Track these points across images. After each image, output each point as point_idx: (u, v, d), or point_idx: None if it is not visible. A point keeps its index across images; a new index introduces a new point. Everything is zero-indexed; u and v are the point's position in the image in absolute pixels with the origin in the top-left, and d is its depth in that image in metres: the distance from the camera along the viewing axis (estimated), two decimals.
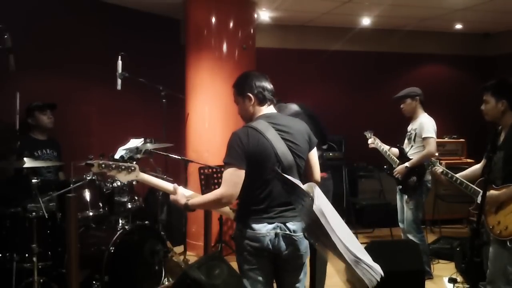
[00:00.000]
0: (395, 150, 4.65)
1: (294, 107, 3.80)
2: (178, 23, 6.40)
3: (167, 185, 2.67)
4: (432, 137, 4.42)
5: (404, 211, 4.63)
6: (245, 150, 2.41)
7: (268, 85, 2.61)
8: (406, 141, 4.75)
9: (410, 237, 4.49)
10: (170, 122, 4.72)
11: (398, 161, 4.54)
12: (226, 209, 2.72)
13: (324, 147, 3.96)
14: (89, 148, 4.93)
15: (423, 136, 4.45)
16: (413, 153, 4.52)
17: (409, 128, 4.72)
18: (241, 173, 2.40)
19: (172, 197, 2.60)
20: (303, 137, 2.58)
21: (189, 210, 2.56)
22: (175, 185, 2.63)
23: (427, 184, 4.47)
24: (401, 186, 4.54)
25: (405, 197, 4.53)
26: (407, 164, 4.42)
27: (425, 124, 4.47)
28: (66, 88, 5.12)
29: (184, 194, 2.58)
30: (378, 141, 4.63)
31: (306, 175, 2.64)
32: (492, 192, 3.07)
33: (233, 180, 2.39)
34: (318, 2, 5.79)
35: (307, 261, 2.59)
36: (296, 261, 2.53)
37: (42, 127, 4.41)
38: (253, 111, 2.60)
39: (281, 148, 2.46)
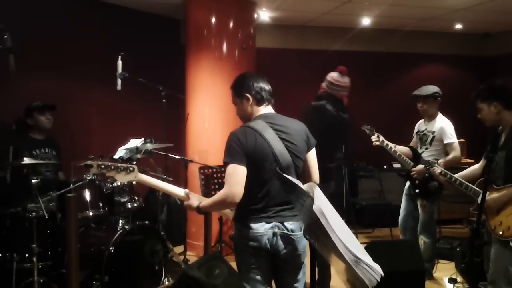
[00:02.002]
0: (403, 149, 4.53)
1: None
2: (178, 23, 6.40)
3: (167, 186, 2.67)
4: (456, 142, 4.37)
5: (407, 214, 4.62)
6: (243, 149, 2.42)
7: (266, 86, 2.62)
8: (416, 140, 4.67)
9: (424, 238, 4.47)
10: (170, 122, 4.72)
11: (412, 162, 4.40)
12: (226, 210, 2.72)
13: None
14: (89, 148, 4.92)
15: (446, 142, 4.35)
16: (428, 155, 4.36)
17: (421, 127, 4.62)
18: (242, 170, 2.41)
19: (185, 202, 2.62)
20: (301, 137, 2.58)
21: (201, 213, 2.58)
22: (186, 190, 2.64)
23: (444, 187, 4.37)
24: (418, 190, 4.41)
25: (422, 201, 4.44)
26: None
27: (446, 129, 4.38)
28: (66, 88, 5.12)
29: (197, 197, 2.61)
30: (382, 138, 4.43)
31: (305, 176, 2.64)
32: (493, 195, 3.07)
33: (234, 179, 2.40)
34: (318, 2, 5.78)
35: (306, 261, 2.59)
36: (294, 260, 2.54)
37: (40, 128, 4.41)
38: (251, 111, 2.61)
39: (278, 148, 2.46)
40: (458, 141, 4.44)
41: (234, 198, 2.39)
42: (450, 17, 6.47)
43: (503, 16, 6.42)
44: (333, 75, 3.88)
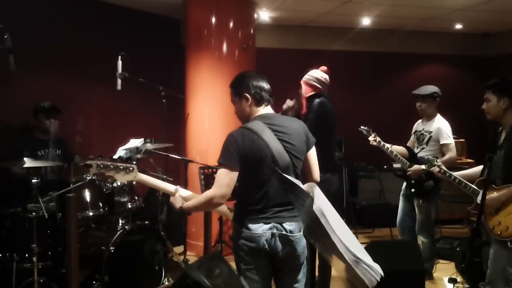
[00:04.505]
0: (400, 149, 4.55)
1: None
2: (178, 23, 6.40)
3: (167, 186, 2.67)
4: (452, 143, 4.38)
5: (405, 214, 4.62)
6: (240, 151, 2.42)
7: (266, 85, 2.60)
8: (413, 140, 4.69)
9: (422, 238, 4.47)
10: (170, 122, 4.72)
11: (408, 162, 4.42)
12: (225, 209, 2.72)
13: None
14: (89, 148, 4.92)
15: (443, 143, 4.37)
16: (424, 155, 4.32)
17: (419, 127, 4.63)
18: (234, 175, 2.41)
19: (171, 198, 2.59)
20: (300, 137, 2.57)
21: (184, 213, 2.56)
22: (178, 187, 2.62)
23: (440, 186, 4.40)
24: (414, 190, 4.43)
25: (418, 201, 4.45)
26: (423, 167, 4.13)
27: (443, 129, 4.39)
28: (66, 88, 5.12)
29: (182, 197, 2.57)
30: (379, 139, 4.47)
31: (305, 175, 2.64)
32: (491, 195, 3.06)
33: (225, 181, 2.40)
34: (318, 2, 5.79)
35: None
36: (293, 261, 2.53)
37: (43, 129, 4.43)
38: (249, 111, 2.60)
39: (277, 148, 2.45)
40: (458, 141, 4.45)
41: (221, 199, 2.40)
42: (450, 17, 6.47)
43: (503, 16, 6.42)
44: (323, 75, 4.05)
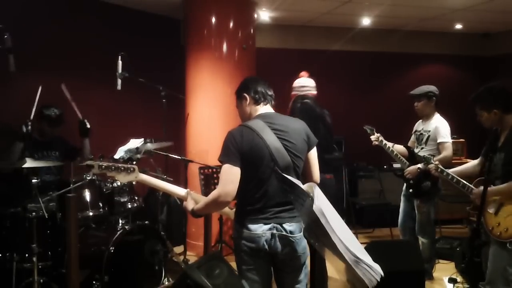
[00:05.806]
0: (401, 148, 4.56)
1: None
2: (178, 23, 6.40)
3: (166, 185, 2.68)
4: (449, 142, 4.38)
5: (406, 215, 4.63)
6: (239, 149, 2.43)
7: (264, 86, 2.65)
8: (413, 140, 4.70)
9: (421, 238, 4.47)
10: (170, 122, 4.71)
11: (407, 162, 4.44)
12: (227, 209, 2.72)
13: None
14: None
15: (439, 141, 4.37)
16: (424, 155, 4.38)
17: (419, 127, 4.64)
18: (236, 171, 2.41)
19: (184, 203, 2.63)
20: (301, 137, 2.57)
21: (196, 216, 2.58)
22: (188, 190, 2.65)
23: (439, 186, 4.42)
24: (411, 190, 4.44)
25: (416, 201, 4.46)
26: (419, 166, 4.26)
27: (441, 128, 4.39)
28: (66, 88, 5.11)
29: (193, 200, 2.60)
30: (381, 138, 4.49)
31: (305, 175, 2.64)
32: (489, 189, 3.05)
33: (228, 178, 2.41)
34: (318, 2, 5.79)
35: (308, 262, 2.59)
36: (294, 262, 2.53)
37: (43, 133, 4.42)
38: (250, 111, 2.63)
39: (276, 147, 2.46)
40: (458, 141, 4.45)
41: (226, 197, 2.40)
42: (450, 17, 6.47)
43: (503, 16, 6.42)
44: (298, 81, 4.13)
